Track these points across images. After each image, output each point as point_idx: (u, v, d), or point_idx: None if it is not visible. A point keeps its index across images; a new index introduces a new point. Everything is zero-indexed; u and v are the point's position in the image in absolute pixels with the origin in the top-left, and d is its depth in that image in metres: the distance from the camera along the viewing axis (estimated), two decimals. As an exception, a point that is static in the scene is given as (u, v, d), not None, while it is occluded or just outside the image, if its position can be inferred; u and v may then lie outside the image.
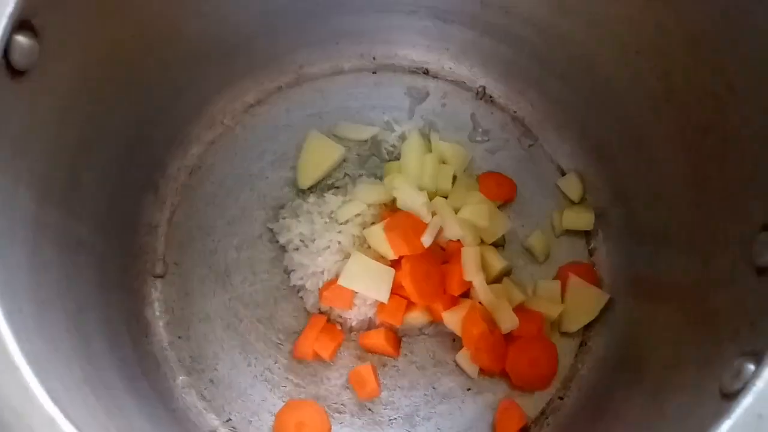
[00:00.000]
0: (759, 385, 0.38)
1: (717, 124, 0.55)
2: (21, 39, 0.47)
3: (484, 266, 0.72)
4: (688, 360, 0.52)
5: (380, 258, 0.71)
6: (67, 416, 0.40)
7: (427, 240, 0.69)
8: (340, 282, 0.68)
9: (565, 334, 0.74)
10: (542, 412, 0.72)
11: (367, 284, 0.68)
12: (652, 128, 0.66)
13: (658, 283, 0.66)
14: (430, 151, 0.79)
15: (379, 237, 0.70)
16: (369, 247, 0.72)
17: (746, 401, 0.38)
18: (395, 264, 0.71)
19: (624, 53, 0.66)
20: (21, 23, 0.47)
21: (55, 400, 0.40)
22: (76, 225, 0.61)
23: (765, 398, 0.38)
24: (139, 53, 0.65)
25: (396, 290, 0.70)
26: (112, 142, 0.66)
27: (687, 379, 0.50)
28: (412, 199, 0.71)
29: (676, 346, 0.56)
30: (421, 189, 0.75)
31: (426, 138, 0.80)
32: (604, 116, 0.73)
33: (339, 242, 0.73)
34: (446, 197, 0.76)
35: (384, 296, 0.68)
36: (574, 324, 0.73)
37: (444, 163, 0.79)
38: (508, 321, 0.70)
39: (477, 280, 0.70)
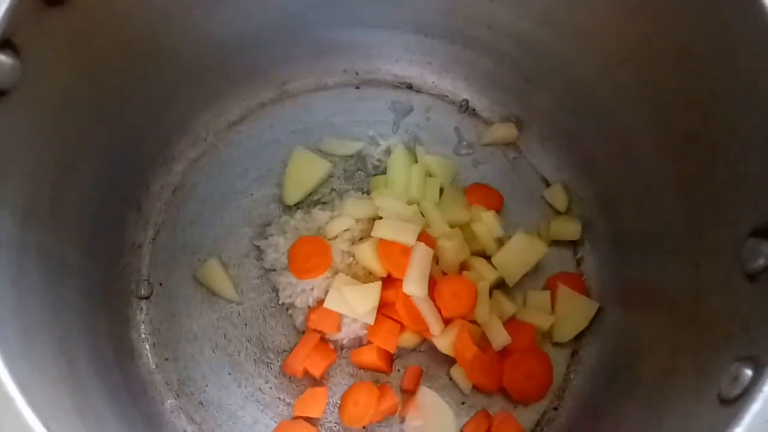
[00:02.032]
0: (766, 390, 0.38)
1: (703, 132, 0.56)
2: (2, 58, 0.46)
3: (477, 278, 0.72)
4: (683, 367, 0.52)
5: (369, 275, 0.71)
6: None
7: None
8: (326, 305, 0.68)
9: (556, 344, 0.74)
10: (537, 424, 0.71)
11: (353, 307, 0.67)
12: (638, 137, 0.66)
13: (648, 290, 0.66)
14: (416, 164, 0.78)
15: (368, 253, 0.70)
16: (358, 263, 0.71)
17: (755, 407, 0.38)
18: (386, 280, 0.70)
19: (607, 63, 0.66)
20: (2, 42, 0.46)
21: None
22: (60, 246, 0.59)
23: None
24: (121, 71, 0.64)
25: (386, 308, 0.70)
26: (95, 161, 0.65)
27: (684, 386, 0.50)
28: (397, 214, 0.71)
29: (670, 353, 0.57)
30: (409, 203, 0.75)
31: (411, 152, 0.80)
32: (589, 127, 0.74)
33: (327, 258, 0.72)
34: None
35: (370, 318, 0.68)
36: (566, 334, 0.73)
37: (430, 176, 0.79)
38: (500, 338, 0.69)
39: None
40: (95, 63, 0.60)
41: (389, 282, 0.70)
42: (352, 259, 0.72)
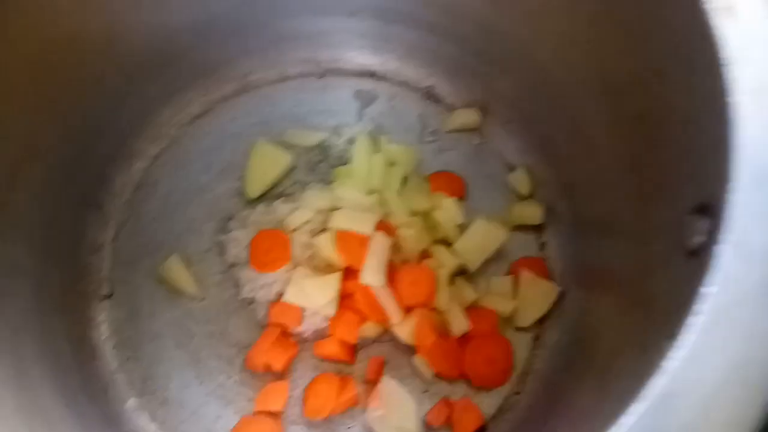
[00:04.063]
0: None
1: (649, 111, 0.55)
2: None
3: (437, 267, 0.72)
4: (630, 345, 0.52)
5: (329, 267, 0.70)
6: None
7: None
8: (285, 299, 0.68)
9: (519, 329, 0.73)
10: (500, 409, 0.71)
11: (313, 299, 0.67)
12: (591, 119, 0.66)
13: (603, 271, 0.66)
14: (378, 153, 0.78)
15: (327, 245, 0.69)
16: (318, 255, 0.71)
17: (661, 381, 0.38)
18: (347, 271, 0.70)
19: (560, 44, 0.66)
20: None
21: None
22: (10, 248, 0.59)
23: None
24: (70, 67, 0.63)
25: (347, 300, 0.70)
26: (48, 161, 0.64)
27: (629, 363, 0.50)
28: (357, 204, 0.70)
29: (618, 332, 0.56)
30: (370, 192, 0.75)
31: (375, 141, 0.80)
32: (547, 110, 0.73)
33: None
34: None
35: (331, 310, 0.68)
36: (527, 318, 0.73)
37: (393, 164, 0.78)
38: (460, 324, 0.69)
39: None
40: (39, 59, 0.59)
41: (350, 273, 0.70)
42: (312, 251, 0.72)
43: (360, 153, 0.77)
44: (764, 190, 0.41)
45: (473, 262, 0.73)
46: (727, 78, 0.43)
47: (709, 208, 0.43)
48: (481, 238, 0.73)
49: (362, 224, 0.68)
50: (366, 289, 0.68)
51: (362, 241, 0.68)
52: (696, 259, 0.44)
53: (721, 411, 0.38)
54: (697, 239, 0.45)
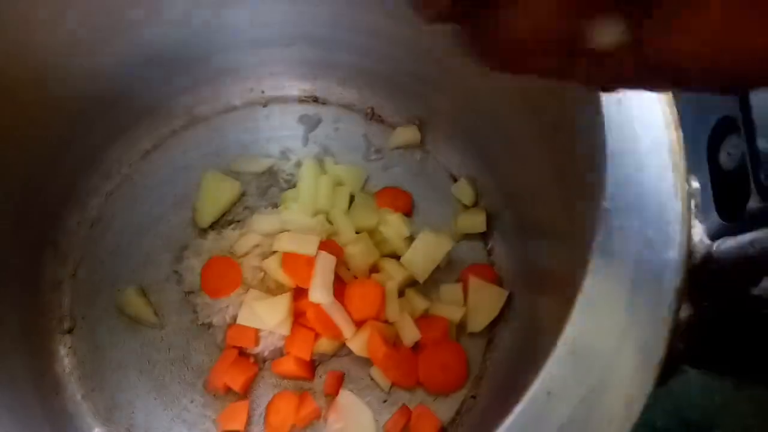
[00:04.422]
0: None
1: (563, 121, 0.59)
2: None
3: (386, 279, 0.74)
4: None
5: (280, 287, 0.73)
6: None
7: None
8: (239, 322, 0.70)
9: (472, 334, 0.76)
10: (457, 413, 0.74)
11: (266, 320, 0.70)
12: (519, 131, 0.69)
13: (544, 273, 0.69)
14: (324, 174, 0.81)
15: (275, 267, 0.72)
16: (269, 277, 0.74)
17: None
18: (297, 291, 0.73)
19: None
20: None
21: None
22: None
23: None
24: (12, 115, 0.66)
25: (301, 318, 0.72)
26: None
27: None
28: (302, 226, 0.73)
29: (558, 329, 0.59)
30: (317, 213, 0.77)
31: (321, 163, 0.83)
32: (482, 124, 0.77)
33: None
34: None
35: (284, 329, 0.71)
36: (479, 323, 0.76)
37: (340, 184, 0.81)
38: (410, 334, 0.72)
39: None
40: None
41: (300, 293, 0.73)
42: (263, 274, 0.74)
43: (306, 176, 0.80)
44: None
45: (422, 273, 0.76)
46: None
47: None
48: (428, 249, 0.76)
49: (306, 245, 0.71)
50: (317, 307, 0.71)
51: (309, 262, 0.71)
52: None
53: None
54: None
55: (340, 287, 0.72)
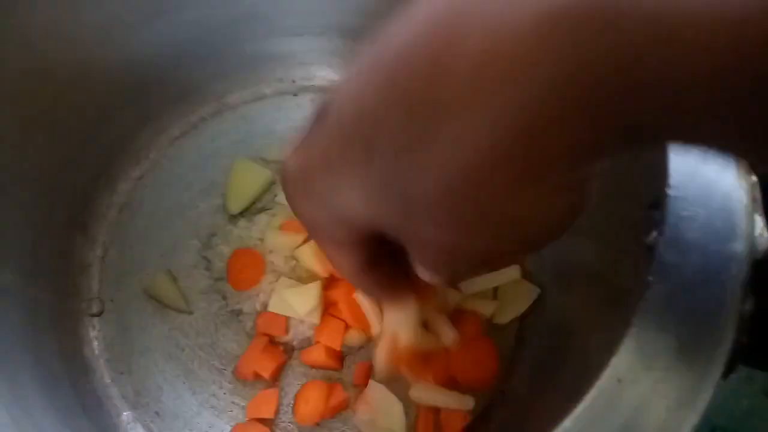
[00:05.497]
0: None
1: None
2: None
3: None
4: (599, 343, 0.54)
5: (312, 277, 0.73)
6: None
7: None
8: (270, 309, 0.70)
9: (500, 327, 0.76)
10: (486, 408, 0.73)
11: (297, 308, 0.70)
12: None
13: (575, 269, 0.69)
14: (355, 165, 0.81)
15: (309, 256, 0.72)
16: (300, 265, 0.74)
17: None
18: (329, 281, 0.72)
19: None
20: None
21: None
22: None
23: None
24: (47, 98, 0.66)
25: (332, 308, 0.72)
26: (29, 190, 0.66)
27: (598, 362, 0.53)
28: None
29: (590, 326, 0.59)
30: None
31: (351, 153, 0.82)
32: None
33: (272, 262, 0.74)
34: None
35: (314, 318, 0.70)
36: (506, 316, 0.75)
37: (369, 175, 0.81)
38: (448, 335, 0.71)
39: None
40: (17, 92, 0.61)
41: (333, 282, 0.72)
42: (295, 262, 0.74)
43: (337, 165, 0.80)
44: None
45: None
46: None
47: (659, 204, 0.46)
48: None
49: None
50: (350, 298, 0.70)
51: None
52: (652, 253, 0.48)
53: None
54: (654, 234, 0.49)
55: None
